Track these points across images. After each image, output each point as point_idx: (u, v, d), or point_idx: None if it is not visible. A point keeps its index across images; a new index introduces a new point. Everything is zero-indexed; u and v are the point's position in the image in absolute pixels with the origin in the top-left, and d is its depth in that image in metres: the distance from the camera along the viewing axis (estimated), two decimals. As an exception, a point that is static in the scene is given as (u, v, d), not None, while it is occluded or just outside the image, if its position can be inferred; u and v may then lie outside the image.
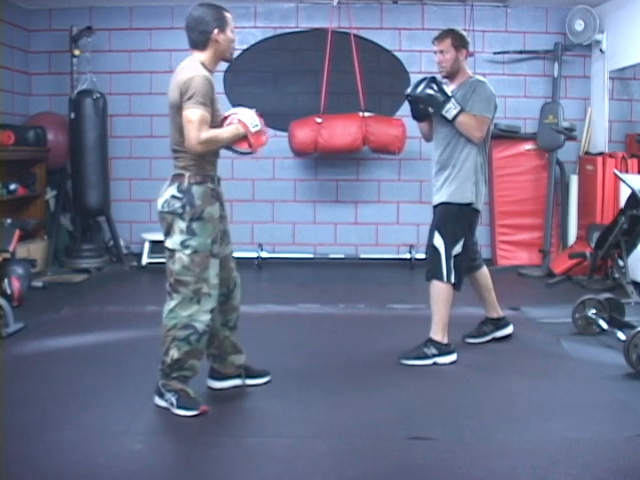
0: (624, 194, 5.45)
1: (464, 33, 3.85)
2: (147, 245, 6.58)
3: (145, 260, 6.58)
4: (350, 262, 6.82)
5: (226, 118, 3.08)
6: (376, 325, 4.66)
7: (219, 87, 6.77)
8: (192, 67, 2.96)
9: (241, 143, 3.03)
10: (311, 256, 6.82)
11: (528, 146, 6.69)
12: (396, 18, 6.86)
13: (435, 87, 3.67)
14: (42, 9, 6.78)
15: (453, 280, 3.68)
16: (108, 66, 6.75)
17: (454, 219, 3.70)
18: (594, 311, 4.27)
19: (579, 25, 6.48)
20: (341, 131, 6.25)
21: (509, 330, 4.14)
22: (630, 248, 5.26)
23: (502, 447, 2.76)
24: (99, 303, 5.17)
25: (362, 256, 6.88)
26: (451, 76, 3.82)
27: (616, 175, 5.63)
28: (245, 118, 3.02)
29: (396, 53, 6.88)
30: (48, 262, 6.36)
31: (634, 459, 2.62)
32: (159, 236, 6.48)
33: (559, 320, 4.51)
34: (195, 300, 2.93)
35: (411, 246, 6.78)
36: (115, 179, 6.79)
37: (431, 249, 3.74)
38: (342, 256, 6.83)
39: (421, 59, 6.87)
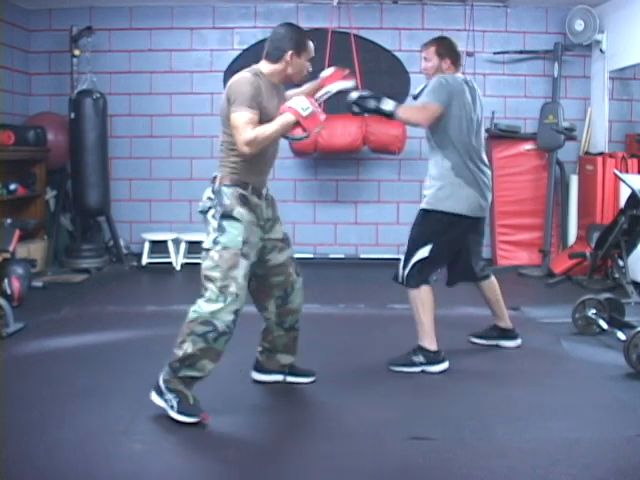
0: (624, 194, 5.45)
1: (454, 42, 3.80)
2: (147, 245, 6.59)
3: (145, 260, 6.59)
4: (350, 262, 6.82)
5: (283, 110, 3.04)
6: (376, 325, 4.66)
7: (219, 87, 6.78)
8: (240, 74, 2.99)
9: (294, 130, 2.98)
10: (311, 256, 6.82)
11: (528, 146, 6.69)
12: (396, 18, 6.87)
13: (365, 95, 3.66)
14: (42, 9, 6.79)
15: (411, 284, 3.64)
16: (108, 66, 6.75)
17: (422, 223, 3.68)
18: (594, 311, 4.27)
19: (579, 25, 6.48)
20: (341, 131, 6.25)
21: (515, 343, 4.03)
22: (630, 248, 5.26)
23: (502, 447, 2.76)
24: (99, 303, 5.17)
25: (362, 256, 6.89)
26: None
27: (616, 175, 5.62)
28: (294, 104, 2.96)
29: (396, 53, 6.88)
30: (48, 262, 6.36)
31: (634, 459, 2.62)
32: (159, 236, 6.59)
33: (559, 320, 4.51)
34: (221, 298, 2.88)
35: (411, 246, 6.78)
36: (115, 179, 6.79)
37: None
38: (342, 256, 6.84)
39: (421, 59, 6.85)
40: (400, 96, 6.82)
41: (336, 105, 6.49)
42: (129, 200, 6.93)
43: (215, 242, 2.94)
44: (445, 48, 3.74)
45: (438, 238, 3.63)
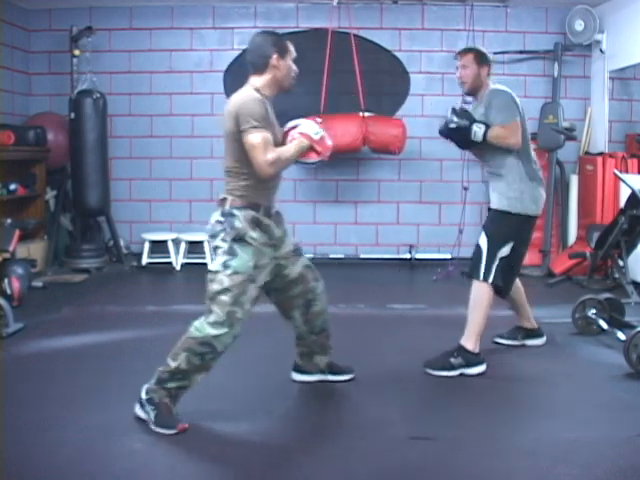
0: (624, 194, 5.45)
1: (486, 52, 3.79)
2: (147, 245, 6.58)
3: (145, 260, 6.59)
4: (350, 262, 6.82)
5: (287, 133, 3.09)
6: (376, 325, 4.66)
7: (219, 87, 6.79)
8: (243, 93, 2.97)
9: (308, 154, 3.04)
10: (311, 256, 6.73)
11: (528, 146, 6.69)
12: (396, 18, 6.86)
13: (455, 118, 3.62)
14: (42, 9, 6.79)
15: (491, 280, 3.59)
16: (108, 66, 6.75)
17: (501, 223, 3.67)
18: (594, 311, 4.27)
19: (579, 25, 6.48)
20: (341, 131, 6.24)
21: (541, 341, 4.06)
22: (630, 248, 5.25)
23: (502, 447, 2.76)
24: (99, 303, 5.18)
25: (362, 256, 6.89)
26: (473, 92, 3.76)
27: (616, 175, 5.62)
28: (305, 129, 3.02)
29: (396, 53, 6.88)
30: (48, 262, 6.37)
31: (634, 459, 2.62)
32: (159, 236, 6.59)
33: (559, 320, 4.51)
34: (227, 323, 2.85)
35: (411, 246, 6.79)
36: (115, 179, 6.79)
37: (476, 247, 3.71)
38: (342, 256, 6.83)
39: (421, 59, 6.88)
40: (400, 96, 6.86)
41: (336, 105, 6.53)
42: (129, 200, 6.93)
43: (225, 266, 2.89)
44: (483, 56, 3.72)
45: (517, 239, 3.67)
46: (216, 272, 2.91)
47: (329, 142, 3.04)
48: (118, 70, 6.83)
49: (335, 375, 3.45)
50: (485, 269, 3.60)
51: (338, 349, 3.99)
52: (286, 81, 3.07)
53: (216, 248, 2.95)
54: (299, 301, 3.23)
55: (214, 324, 2.86)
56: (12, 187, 6.03)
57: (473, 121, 3.60)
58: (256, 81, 3.03)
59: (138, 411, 2.93)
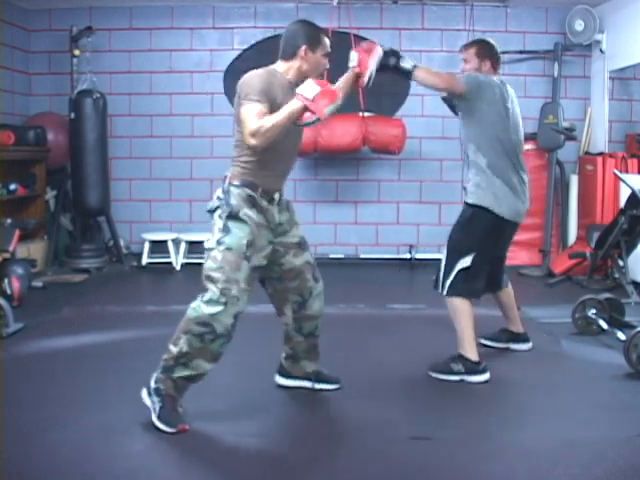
0: (624, 194, 5.45)
1: (494, 45, 3.69)
2: (147, 245, 6.58)
3: (145, 260, 6.58)
4: (350, 262, 6.82)
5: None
6: (376, 325, 4.65)
7: (219, 87, 6.78)
8: (255, 70, 2.93)
9: (304, 116, 2.82)
10: (311, 256, 6.81)
11: (528, 146, 6.67)
12: (396, 18, 6.86)
13: (386, 51, 3.43)
14: (42, 9, 6.78)
15: (454, 294, 3.52)
16: (108, 66, 6.75)
17: (467, 225, 3.56)
18: (594, 311, 4.27)
19: (579, 25, 6.48)
20: (341, 131, 6.25)
21: (525, 346, 3.99)
22: (630, 248, 5.26)
23: (502, 447, 2.76)
24: (99, 303, 5.17)
25: (362, 256, 6.89)
26: None
27: (616, 175, 5.63)
28: (300, 89, 2.85)
29: (396, 53, 6.87)
30: (48, 262, 6.36)
31: (634, 459, 2.62)
32: (159, 236, 6.59)
33: (559, 320, 4.51)
34: (222, 300, 2.82)
35: (411, 246, 6.79)
36: (115, 179, 6.79)
37: (442, 257, 3.63)
38: (342, 256, 6.83)
39: (421, 59, 6.85)
40: (400, 96, 6.86)
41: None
42: (129, 200, 6.93)
43: (219, 242, 2.87)
44: (485, 50, 3.65)
45: (482, 245, 3.54)
46: (210, 249, 2.89)
47: (327, 100, 2.81)
48: (118, 70, 6.83)
49: (321, 383, 3.31)
50: (443, 282, 3.56)
51: (338, 349, 4.00)
52: (312, 74, 2.99)
53: (213, 225, 2.94)
54: (294, 296, 3.15)
55: (209, 302, 2.83)
56: (12, 187, 6.02)
57: (399, 57, 3.47)
58: (280, 65, 2.99)
59: (144, 397, 2.92)
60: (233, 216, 2.88)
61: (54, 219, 6.66)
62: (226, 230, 2.88)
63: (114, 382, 3.41)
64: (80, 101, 6.25)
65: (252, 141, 2.78)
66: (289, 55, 2.98)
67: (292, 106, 2.79)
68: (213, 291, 2.84)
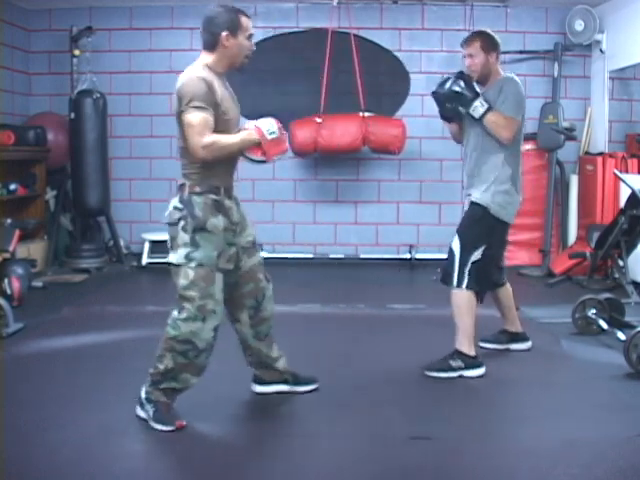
0: (624, 194, 5.45)
1: (494, 34, 3.65)
2: (147, 245, 6.58)
3: (145, 260, 6.58)
4: (350, 262, 6.81)
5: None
6: (376, 325, 4.65)
7: (219, 87, 6.78)
8: (189, 70, 2.86)
9: (255, 150, 2.84)
10: (311, 256, 6.82)
11: (528, 146, 6.67)
12: (396, 18, 6.86)
13: (462, 84, 3.51)
14: (42, 9, 6.78)
15: (465, 287, 3.53)
16: (108, 66, 6.75)
17: (478, 222, 3.58)
18: (594, 311, 4.27)
19: (579, 25, 6.48)
20: (341, 131, 6.25)
21: (525, 345, 3.99)
22: (630, 248, 5.26)
23: (502, 447, 2.76)
24: (99, 303, 5.17)
25: (362, 256, 6.88)
26: (482, 81, 3.63)
27: (616, 175, 5.63)
28: (261, 124, 2.85)
29: (396, 53, 6.87)
30: (48, 262, 6.36)
31: (634, 459, 2.62)
32: (159, 236, 6.58)
33: (559, 320, 4.51)
34: (200, 317, 2.78)
35: (411, 246, 6.79)
36: (115, 179, 6.79)
37: (449, 252, 3.62)
38: (342, 256, 6.83)
39: (421, 59, 6.87)
40: (400, 96, 6.86)
41: (336, 105, 6.53)
42: (129, 200, 6.93)
43: (189, 258, 2.79)
44: (490, 43, 3.59)
45: (491, 242, 3.60)
46: (179, 265, 2.82)
47: (280, 148, 2.85)
48: (118, 70, 6.83)
49: (299, 386, 3.28)
50: (458, 275, 3.55)
51: (338, 349, 4.01)
52: (237, 60, 2.91)
53: (173, 238, 2.84)
54: (249, 301, 3.07)
55: (186, 320, 2.80)
56: (12, 187, 6.02)
57: (478, 95, 3.50)
58: (206, 58, 2.91)
59: (139, 411, 2.93)
60: (200, 229, 2.80)
61: (54, 219, 6.66)
62: (194, 244, 2.79)
63: (114, 382, 3.41)
64: (80, 101, 6.25)
65: (201, 153, 2.74)
66: (211, 45, 2.88)
67: (248, 136, 2.83)
68: (189, 309, 2.80)
